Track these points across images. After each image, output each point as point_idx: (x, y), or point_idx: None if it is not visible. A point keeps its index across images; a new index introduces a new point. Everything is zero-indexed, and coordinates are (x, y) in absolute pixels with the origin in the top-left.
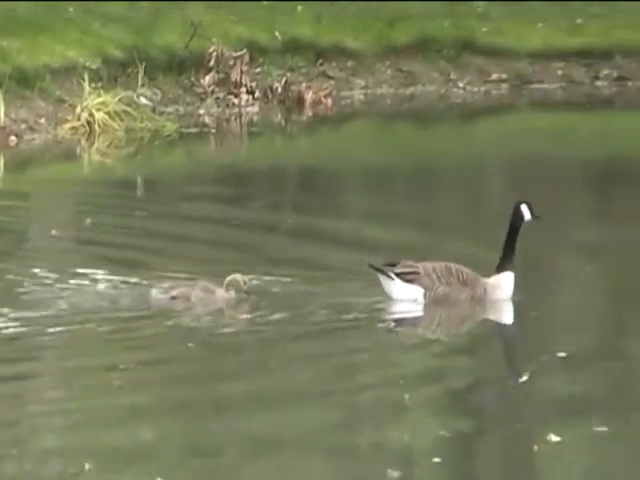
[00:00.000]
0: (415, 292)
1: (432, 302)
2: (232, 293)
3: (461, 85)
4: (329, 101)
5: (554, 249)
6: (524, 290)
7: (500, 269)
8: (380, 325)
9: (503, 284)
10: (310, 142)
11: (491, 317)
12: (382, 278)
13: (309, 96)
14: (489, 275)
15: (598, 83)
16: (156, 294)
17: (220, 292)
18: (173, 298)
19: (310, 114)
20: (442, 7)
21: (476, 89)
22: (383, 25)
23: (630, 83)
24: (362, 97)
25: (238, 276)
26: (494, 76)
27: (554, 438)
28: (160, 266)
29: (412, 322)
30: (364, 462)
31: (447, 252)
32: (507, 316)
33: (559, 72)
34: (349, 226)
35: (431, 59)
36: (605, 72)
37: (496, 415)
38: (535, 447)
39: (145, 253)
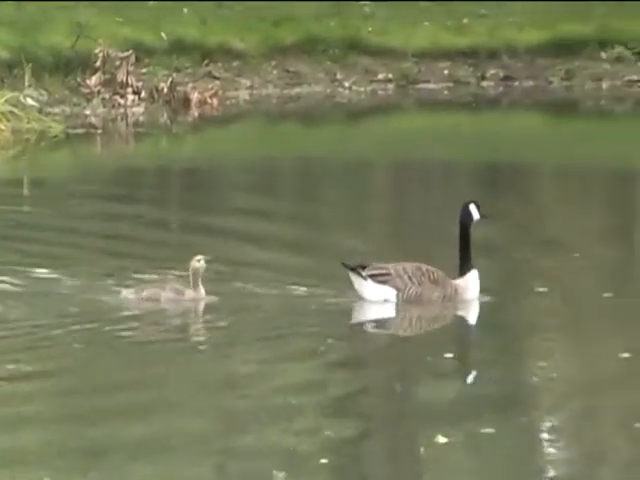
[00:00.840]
0: (388, 293)
1: (405, 302)
2: (201, 292)
3: (347, 85)
4: (215, 101)
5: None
6: None
7: (465, 270)
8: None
9: (471, 284)
10: (196, 142)
11: (460, 315)
12: (354, 278)
13: (195, 96)
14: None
15: (484, 83)
16: (127, 295)
17: (189, 293)
18: (144, 299)
19: (196, 114)
20: (328, 7)
21: (362, 89)
22: (269, 25)
23: (516, 83)
24: (248, 97)
25: (194, 263)
26: (380, 76)
27: (442, 440)
28: (55, 266)
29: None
30: (250, 463)
31: (330, 248)
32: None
33: (445, 72)
34: (236, 223)
35: (317, 59)
36: (491, 72)
37: (386, 416)
38: (422, 449)
39: (38, 253)
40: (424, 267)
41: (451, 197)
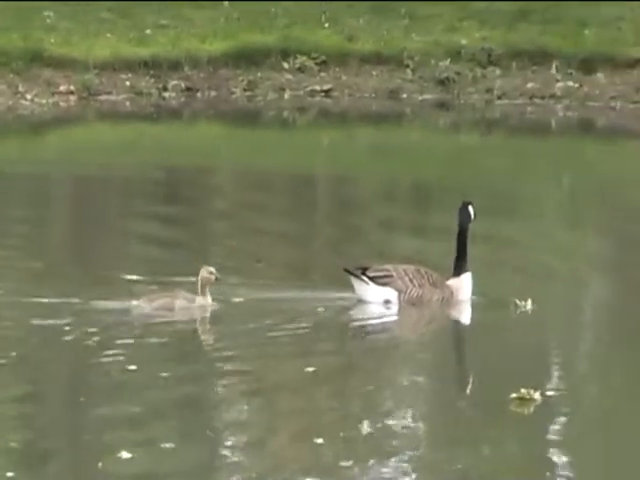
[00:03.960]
0: (389, 294)
1: (406, 304)
2: (209, 299)
3: (29, 97)
4: None
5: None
6: None
7: (459, 271)
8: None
9: (465, 285)
10: None
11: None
12: (355, 282)
13: None
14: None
15: (166, 94)
16: (138, 305)
17: (199, 300)
18: (156, 309)
19: None
20: (10, 19)
21: (45, 101)
22: None
23: (198, 94)
24: None
25: (204, 272)
26: (62, 88)
27: (125, 455)
28: None
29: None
30: None
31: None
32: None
33: (127, 83)
34: None
35: None
36: (173, 83)
37: (69, 431)
38: (100, 464)
39: None
40: (423, 269)
41: (128, 205)
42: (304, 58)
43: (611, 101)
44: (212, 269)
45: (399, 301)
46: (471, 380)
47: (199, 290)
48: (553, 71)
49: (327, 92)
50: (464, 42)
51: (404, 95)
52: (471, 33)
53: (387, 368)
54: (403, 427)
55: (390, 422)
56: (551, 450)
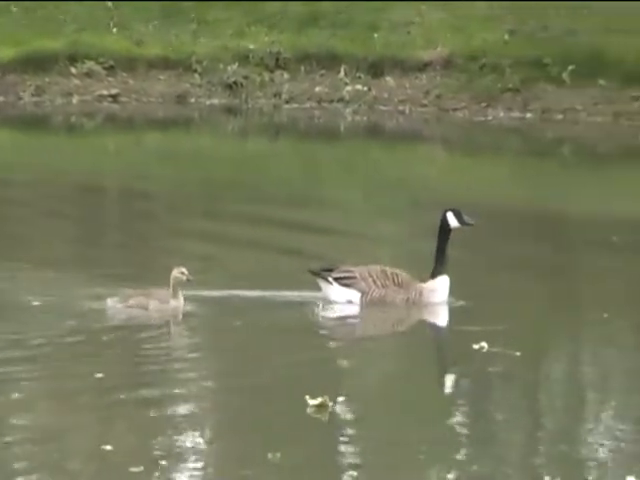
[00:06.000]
0: (352, 295)
1: (368, 304)
2: (181, 300)
3: None
4: None
5: None
6: None
7: (435, 274)
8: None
9: (439, 288)
10: None
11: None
12: (321, 282)
13: None
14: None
15: None
16: (112, 303)
17: (173, 301)
18: (130, 307)
19: None
20: None
21: None
22: None
23: None
24: None
25: (175, 272)
26: None
27: None
28: None
29: None
30: None
31: None
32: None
33: None
34: None
35: None
36: None
37: None
38: None
39: None
40: (389, 270)
41: None
42: (92, 63)
43: (400, 105)
44: (184, 269)
45: (361, 302)
46: (275, 387)
47: (171, 290)
48: (342, 75)
49: (114, 97)
50: (252, 46)
51: (192, 100)
52: (260, 37)
53: (209, 373)
54: (199, 434)
55: (185, 429)
56: (340, 455)
